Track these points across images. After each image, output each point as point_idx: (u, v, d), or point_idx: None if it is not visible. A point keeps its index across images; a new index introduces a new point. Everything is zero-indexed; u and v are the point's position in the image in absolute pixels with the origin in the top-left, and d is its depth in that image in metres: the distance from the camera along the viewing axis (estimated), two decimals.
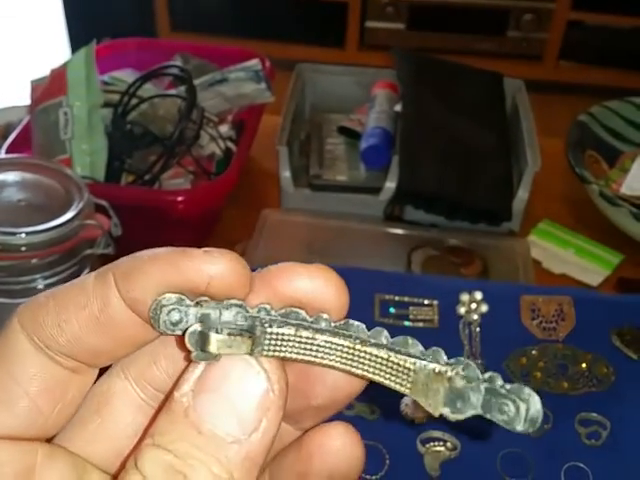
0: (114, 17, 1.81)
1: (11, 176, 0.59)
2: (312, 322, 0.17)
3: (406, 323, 0.60)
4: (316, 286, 0.18)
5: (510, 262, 0.71)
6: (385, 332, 0.17)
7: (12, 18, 2.20)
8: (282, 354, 0.17)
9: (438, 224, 0.76)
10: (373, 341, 0.17)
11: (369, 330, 0.18)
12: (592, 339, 0.58)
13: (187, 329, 0.17)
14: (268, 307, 0.17)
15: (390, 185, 0.75)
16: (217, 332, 0.17)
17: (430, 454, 0.50)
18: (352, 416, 0.52)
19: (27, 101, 0.77)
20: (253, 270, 0.18)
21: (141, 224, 0.63)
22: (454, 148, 0.80)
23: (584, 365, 0.56)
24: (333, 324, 0.18)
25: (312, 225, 0.75)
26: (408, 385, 0.17)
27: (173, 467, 0.16)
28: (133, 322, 0.17)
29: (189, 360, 0.17)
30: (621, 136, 0.82)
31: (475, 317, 0.60)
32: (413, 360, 0.17)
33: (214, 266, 0.17)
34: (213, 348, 0.16)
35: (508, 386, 0.16)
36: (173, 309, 0.17)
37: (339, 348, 0.17)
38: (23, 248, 0.54)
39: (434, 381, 0.17)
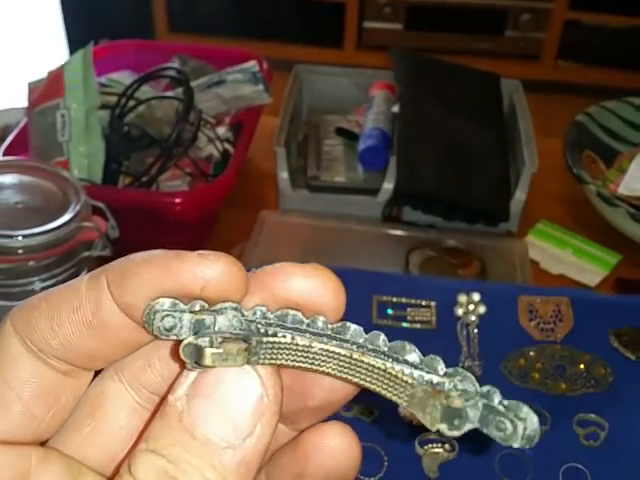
0: (112, 19, 1.81)
1: (8, 178, 0.59)
2: (308, 325, 0.17)
3: (404, 324, 0.60)
4: (312, 287, 0.18)
5: (508, 263, 0.71)
6: (382, 336, 0.17)
7: (10, 19, 2.20)
8: (278, 362, 0.17)
9: (436, 225, 0.76)
10: (370, 347, 0.17)
11: (366, 333, 0.17)
12: (590, 340, 0.58)
13: (181, 341, 0.16)
14: (264, 309, 0.17)
15: (388, 186, 0.75)
16: (212, 343, 0.16)
17: (428, 456, 0.50)
18: (350, 418, 0.52)
19: (24, 103, 0.77)
20: (248, 270, 0.18)
21: (138, 226, 0.63)
22: (452, 149, 0.80)
23: (582, 366, 0.56)
24: (330, 326, 0.17)
25: (310, 226, 0.75)
26: (405, 398, 0.17)
27: (167, 472, 0.16)
28: (126, 325, 0.17)
29: (184, 366, 0.17)
30: (619, 136, 0.82)
31: (473, 318, 0.60)
32: (410, 372, 0.17)
33: (209, 270, 0.17)
34: (208, 362, 0.16)
35: (506, 402, 0.16)
36: (167, 315, 0.17)
37: (336, 356, 0.17)
38: (20, 251, 0.54)
39: (431, 397, 0.16)
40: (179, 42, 1.75)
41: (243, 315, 0.17)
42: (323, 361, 0.17)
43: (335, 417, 0.20)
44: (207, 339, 0.16)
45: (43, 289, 0.56)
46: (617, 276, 0.71)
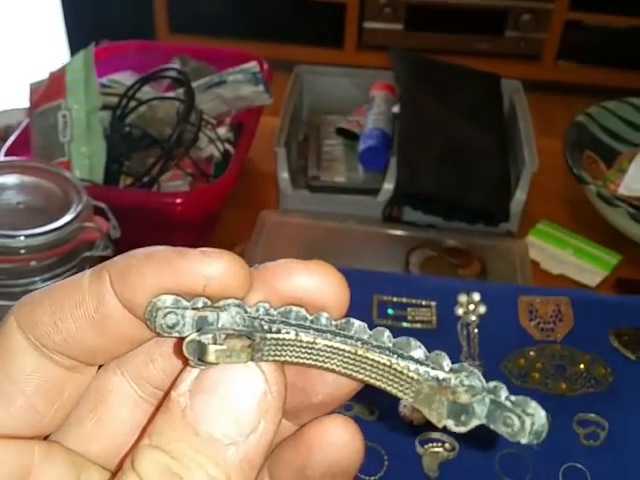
0: (113, 20, 1.81)
1: (10, 179, 0.59)
2: (312, 321, 0.17)
3: (404, 324, 0.60)
4: (315, 283, 0.17)
5: (508, 263, 0.71)
6: (387, 332, 0.17)
7: (11, 21, 2.20)
8: (282, 359, 0.17)
9: (436, 225, 0.76)
10: (375, 343, 0.17)
11: (371, 330, 0.17)
12: (590, 340, 0.58)
13: (184, 338, 0.16)
14: (267, 306, 0.17)
15: (388, 186, 0.75)
16: (215, 340, 0.16)
17: (429, 455, 0.50)
18: (351, 417, 0.52)
19: (26, 104, 0.77)
20: (250, 267, 0.18)
21: (140, 226, 0.63)
22: (452, 149, 0.80)
23: (582, 366, 0.56)
24: (334, 322, 0.17)
25: (310, 226, 0.75)
26: (411, 394, 0.17)
27: (170, 469, 0.16)
28: (129, 321, 0.17)
29: (186, 363, 0.17)
30: (619, 137, 0.82)
31: (473, 318, 0.60)
32: (415, 368, 0.16)
33: (211, 267, 0.17)
34: (211, 358, 0.16)
35: (513, 398, 0.16)
36: (169, 312, 0.17)
37: (340, 353, 0.17)
38: (22, 250, 0.54)
39: (437, 393, 0.16)
40: (180, 43, 1.75)
41: (246, 312, 0.17)
42: (327, 357, 0.17)
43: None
44: (210, 336, 0.16)
45: None
46: (617, 276, 0.71)
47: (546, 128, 1.25)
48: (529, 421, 0.16)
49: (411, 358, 0.17)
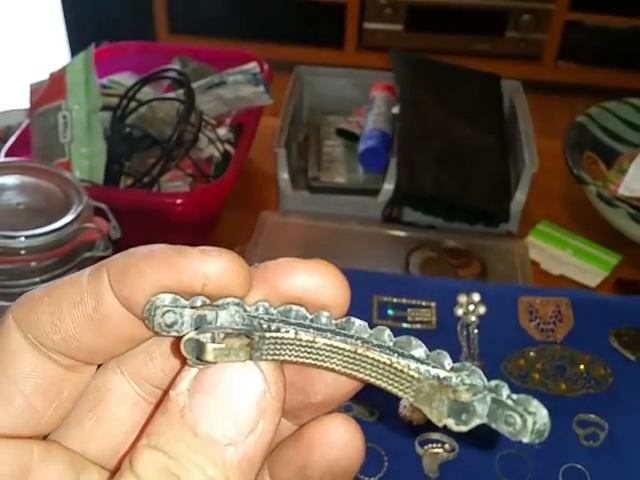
0: (113, 21, 1.82)
1: (10, 179, 0.59)
2: (312, 320, 0.17)
3: (404, 325, 0.60)
4: (316, 282, 0.17)
5: (508, 263, 0.71)
6: (388, 331, 0.17)
7: (12, 22, 2.21)
8: (281, 358, 0.17)
9: (436, 226, 0.76)
10: (375, 342, 0.17)
11: (371, 328, 0.17)
12: (590, 340, 0.58)
13: (183, 337, 0.16)
14: (267, 304, 0.17)
15: (388, 187, 0.75)
16: (214, 338, 0.16)
17: (428, 456, 0.50)
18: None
19: (26, 104, 0.78)
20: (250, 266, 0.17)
21: (140, 227, 0.63)
22: (452, 150, 0.80)
23: (582, 366, 0.56)
24: (334, 322, 0.17)
25: (310, 227, 0.75)
26: (411, 393, 0.16)
27: (168, 469, 0.16)
28: (128, 320, 0.17)
29: (185, 362, 0.17)
30: (619, 137, 0.82)
31: (473, 319, 0.60)
32: (416, 367, 0.16)
33: (210, 266, 0.16)
34: (210, 357, 0.16)
35: (515, 397, 0.16)
36: (168, 310, 0.16)
37: (340, 352, 0.17)
38: (22, 251, 0.54)
39: (438, 391, 0.16)
40: (180, 44, 1.75)
41: (245, 310, 0.17)
42: (327, 357, 0.17)
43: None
44: (209, 335, 0.16)
45: None
46: (617, 277, 0.71)
47: (546, 129, 1.25)
48: (531, 420, 0.15)
49: (412, 357, 0.16)
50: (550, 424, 0.15)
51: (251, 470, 0.16)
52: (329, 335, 0.17)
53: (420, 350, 0.17)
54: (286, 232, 0.74)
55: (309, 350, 0.17)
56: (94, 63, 0.74)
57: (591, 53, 1.95)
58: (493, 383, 0.16)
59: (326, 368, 0.17)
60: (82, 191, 0.58)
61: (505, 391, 0.16)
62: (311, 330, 0.17)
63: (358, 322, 0.17)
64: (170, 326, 0.17)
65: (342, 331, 0.17)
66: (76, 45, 1.95)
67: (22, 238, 0.54)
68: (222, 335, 0.16)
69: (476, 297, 0.60)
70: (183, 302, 0.17)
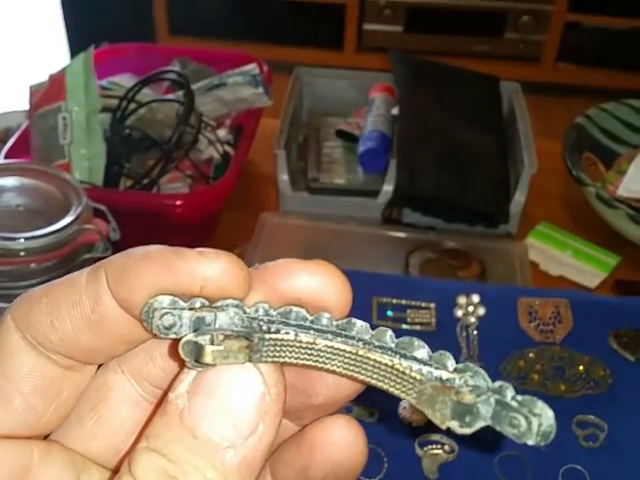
0: (112, 22, 1.82)
1: (10, 181, 0.59)
2: (312, 322, 0.17)
3: (404, 326, 0.60)
4: (317, 283, 0.17)
5: (507, 264, 0.71)
6: (390, 332, 0.17)
7: (11, 23, 2.21)
8: (281, 360, 0.16)
9: (436, 227, 0.76)
10: (377, 344, 0.16)
11: (373, 329, 0.17)
12: (589, 341, 0.58)
13: (181, 339, 0.16)
14: (266, 306, 0.17)
15: (388, 188, 0.75)
16: (212, 340, 0.16)
17: (428, 457, 0.50)
18: None
19: (26, 106, 0.78)
20: (249, 267, 0.17)
21: (139, 228, 0.63)
22: (451, 151, 0.81)
23: (581, 367, 0.56)
24: (335, 323, 0.17)
25: (310, 228, 0.75)
26: (414, 395, 0.16)
27: (167, 472, 0.15)
28: (126, 321, 0.17)
29: (183, 365, 0.16)
30: (618, 138, 0.82)
31: (472, 320, 0.60)
32: (418, 368, 0.16)
33: (208, 268, 0.16)
34: (208, 359, 0.16)
35: (520, 398, 0.15)
36: (166, 313, 0.16)
37: (341, 353, 0.16)
38: (22, 253, 0.54)
39: (441, 393, 0.16)
40: (179, 45, 1.76)
41: (245, 312, 0.16)
42: (328, 358, 0.16)
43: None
44: (207, 337, 0.16)
45: None
46: (616, 278, 0.71)
47: (545, 130, 1.25)
48: (536, 422, 0.15)
49: (414, 358, 0.16)
50: (556, 426, 0.15)
51: (251, 473, 0.16)
52: (330, 336, 0.16)
53: (423, 351, 0.16)
54: (286, 233, 0.75)
55: (309, 352, 0.16)
56: (94, 64, 0.74)
57: (590, 54, 1.96)
58: (497, 384, 0.16)
59: (327, 370, 0.17)
60: (82, 192, 0.58)
61: (510, 392, 0.15)
62: (311, 332, 0.16)
63: (359, 323, 0.17)
64: (168, 328, 0.16)
65: (343, 332, 0.17)
66: (76, 46, 1.95)
67: (22, 240, 0.54)
68: (221, 337, 0.16)
69: (475, 298, 0.61)
70: (181, 304, 0.16)
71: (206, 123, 0.75)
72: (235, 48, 1.48)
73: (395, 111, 0.83)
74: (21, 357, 0.17)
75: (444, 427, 0.16)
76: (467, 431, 0.16)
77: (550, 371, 0.56)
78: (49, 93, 0.73)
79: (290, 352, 0.16)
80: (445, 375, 0.16)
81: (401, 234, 0.74)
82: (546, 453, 0.51)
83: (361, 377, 0.17)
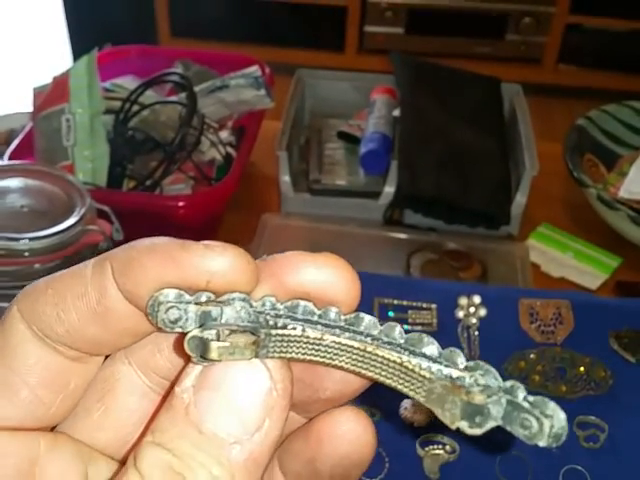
0: (115, 24, 1.82)
1: (14, 182, 0.59)
2: (320, 316, 0.16)
3: (405, 327, 0.60)
4: (325, 276, 0.17)
5: (509, 266, 0.71)
6: (398, 327, 0.16)
7: (15, 26, 2.21)
8: (288, 355, 0.16)
9: (437, 228, 0.76)
10: (386, 339, 0.16)
11: (381, 324, 0.16)
12: (590, 342, 0.58)
13: (186, 333, 0.16)
14: (273, 300, 0.16)
15: (389, 189, 0.75)
16: (218, 335, 0.16)
17: (429, 457, 0.51)
18: None
19: (29, 108, 0.78)
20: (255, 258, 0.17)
21: (142, 229, 0.63)
22: (452, 152, 0.81)
23: (582, 368, 0.56)
24: (343, 317, 0.16)
25: (312, 229, 0.75)
26: (422, 393, 0.16)
27: (172, 468, 0.15)
28: (132, 314, 0.17)
29: (189, 359, 0.16)
30: (619, 140, 0.82)
31: (474, 321, 0.60)
32: (427, 366, 0.16)
33: (214, 262, 0.16)
34: (214, 355, 0.16)
35: (531, 398, 0.15)
36: (171, 307, 0.16)
37: (349, 349, 0.16)
38: (26, 253, 0.54)
39: (451, 393, 0.15)
40: (182, 47, 1.76)
41: (252, 306, 0.16)
42: (335, 354, 0.16)
43: None
44: (214, 331, 0.16)
45: None
46: (617, 279, 0.71)
47: (547, 132, 1.25)
48: (548, 423, 0.15)
49: (423, 355, 0.16)
50: (567, 427, 0.15)
51: (257, 469, 0.16)
52: (337, 332, 0.16)
53: (432, 347, 0.16)
54: (288, 234, 0.75)
55: (317, 347, 0.16)
56: (97, 67, 0.75)
57: (591, 56, 1.96)
58: (508, 384, 0.15)
59: (334, 366, 0.16)
60: (85, 194, 0.58)
61: (521, 392, 0.15)
62: (319, 326, 0.16)
63: (368, 318, 0.16)
64: (174, 322, 0.16)
65: (351, 327, 0.16)
66: (78, 49, 1.95)
67: (26, 240, 0.54)
68: (227, 332, 0.16)
69: (477, 299, 0.61)
70: (187, 298, 0.16)
71: (208, 125, 0.75)
72: (237, 50, 1.49)
73: (396, 113, 0.84)
74: (27, 349, 0.17)
75: (454, 427, 0.16)
76: (477, 432, 0.15)
77: (551, 372, 0.56)
78: (53, 95, 0.74)
79: (297, 347, 0.16)
80: (455, 373, 0.16)
81: (402, 235, 0.74)
82: (547, 454, 0.51)
83: (369, 374, 0.16)
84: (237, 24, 1.97)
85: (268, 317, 0.16)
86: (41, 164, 0.67)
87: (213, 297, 0.16)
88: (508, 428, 0.15)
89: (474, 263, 0.71)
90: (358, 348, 0.16)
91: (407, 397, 0.16)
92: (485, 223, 0.76)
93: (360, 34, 1.97)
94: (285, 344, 0.16)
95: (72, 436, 0.18)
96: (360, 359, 0.16)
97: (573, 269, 0.72)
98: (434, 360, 0.16)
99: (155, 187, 0.72)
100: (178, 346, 0.17)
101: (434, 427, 0.52)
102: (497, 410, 0.15)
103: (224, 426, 0.16)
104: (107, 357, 0.19)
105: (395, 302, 0.62)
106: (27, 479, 0.17)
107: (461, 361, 0.16)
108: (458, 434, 0.16)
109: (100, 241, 0.59)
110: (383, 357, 0.16)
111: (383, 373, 0.16)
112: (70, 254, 0.56)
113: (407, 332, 0.17)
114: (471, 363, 0.16)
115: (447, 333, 0.59)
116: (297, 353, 0.16)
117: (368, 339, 0.16)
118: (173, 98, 0.78)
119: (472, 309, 0.60)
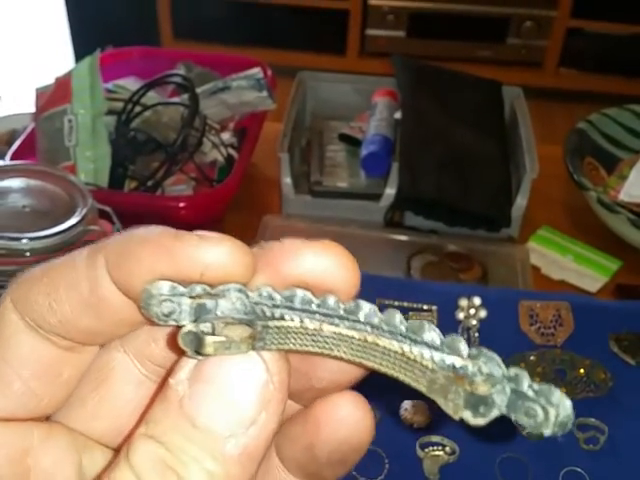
0: (118, 26, 1.83)
1: (16, 182, 0.60)
2: (319, 305, 0.16)
3: None
4: (323, 264, 0.16)
5: (509, 268, 0.71)
6: (399, 315, 0.16)
7: (18, 27, 2.22)
8: (286, 347, 0.16)
9: (437, 230, 0.76)
10: (386, 328, 0.16)
11: (381, 312, 0.16)
12: (590, 345, 0.58)
13: (181, 327, 0.15)
14: (270, 289, 0.16)
15: (390, 191, 0.76)
16: (214, 329, 0.15)
17: (429, 458, 0.51)
18: None
19: (31, 109, 0.78)
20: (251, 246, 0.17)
21: None
22: (453, 155, 0.81)
23: (582, 370, 0.56)
24: (342, 306, 0.16)
25: (313, 231, 0.75)
26: (424, 383, 0.15)
27: (164, 462, 0.15)
28: (126, 305, 0.16)
29: (183, 353, 0.16)
30: (619, 143, 0.83)
31: (474, 322, 0.60)
32: (430, 356, 0.15)
33: (209, 254, 0.16)
34: (209, 350, 0.15)
35: (536, 387, 0.15)
36: (165, 299, 0.15)
37: (348, 340, 0.16)
38: (27, 253, 0.54)
39: (454, 383, 0.15)
40: (184, 49, 1.76)
41: (248, 297, 0.16)
42: (335, 345, 0.16)
43: None
44: (208, 325, 0.15)
45: None
46: (617, 282, 0.71)
47: (548, 135, 1.25)
48: (553, 412, 0.14)
49: (425, 344, 0.15)
50: (573, 416, 0.15)
51: (252, 463, 0.16)
52: (337, 321, 0.16)
53: (434, 334, 0.16)
54: (288, 236, 0.75)
55: (315, 338, 0.16)
56: (99, 68, 0.75)
57: (592, 60, 1.96)
58: (513, 372, 0.15)
59: (334, 357, 0.16)
60: (87, 194, 0.58)
61: (526, 381, 0.15)
62: (317, 316, 0.16)
63: (367, 305, 0.16)
64: (167, 315, 0.16)
65: (350, 316, 0.16)
66: (81, 50, 1.96)
67: (27, 240, 0.54)
68: (223, 325, 0.15)
69: (477, 301, 0.61)
70: (181, 290, 0.16)
71: (210, 126, 0.76)
72: (239, 53, 1.49)
73: (398, 115, 0.84)
74: (19, 339, 0.17)
75: (457, 418, 0.15)
76: (481, 422, 0.15)
77: (551, 374, 0.56)
78: (55, 96, 0.74)
79: (295, 339, 0.16)
80: (458, 362, 0.15)
81: (403, 237, 0.74)
82: (546, 455, 0.51)
83: (370, 364, 0.16)
84: (239, 27, 1.98)
85: (265, 308, 0.16)
86: (43, 164, 0.67)
87: (208, 289, 0.16)
88: (513, 417, 0.15)
89: (474, 265, 0.71)
90: (358, 338, 0.16)
91: (408, 387, 0.16)
92: (485, 225, 0.76)
93: (362, 37, 1.98)
94: (283, 335, 0.16)
95: (67, 425, 0.18)
96: (360, 349, 0.16)
97: (573, 272, 0.73)
98: (436, 348, 0.15)
99: (156, 188, 0.72)
100: (172, 340, 0.17)
101: (434, 428, 0.52)
102: (501, 399, 0.15)
103: (218, 420, 0.15)
104: (102, 346, 0.18)
105: (396, 303, 0.62)
106: (21, 469, 0.17)
107: (463, 348, 0.15)
108: (461, 424, 0.15)
109: None
110: (384, 347, 0.16)
111: (384, 363, 0.16)
112: None
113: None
114: (474, 351, 0.15)
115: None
116: (295, 344, 0.16)
117: (368, 328, 0.16)
118: (175, 99, 0.78)
119: (472, 311, 0.61)
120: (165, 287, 0.16)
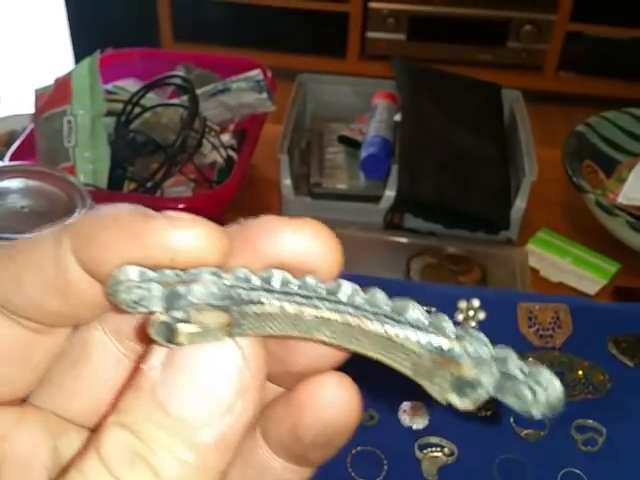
0: (118, 27, 1.83)
1: (15, 183, 0.60)
2: (298, 286, 0.15)
3: None
4: (303, 243, 0.15)
5: (508, 270, 0.71)
6: (382, 294, 0.15)
7: (17, 28, 2.22)
8: (264, 332, 0.15)
9: (437, 232, 0.76)
10: (370, 309, 0.15)
11: (365, 292, 0.15)
12: (589, 347, 0.59)
13: (151, 315, 0.14)
14: (246, 271, 0.15)
15: (390, 193, 0.76)
16: (188, 317, 0.14)
17: (428, 460, 0.51)
18: None
19: (30, 110, 0.78)
20: (223, 224, 0.16)
21: None
22: (453, 157, 0.81)
23: (580, 372, 0.56)
24: (323, 286, 0.15)
25: None
26: (410, 366, 0.15)
27: (134, 450, 0.14)
28: (95, 287, 0.15)
29: (155, 342, 0.15)
30: (618, 146, 0.83)
31: (473, 324, 0.60)
32: (416, 340, 0.14)
33: (178, 238, 0.15)
34: (183, 340, 0.14)
35: (525, 368, 0.14)
36: (133, 286, 0.14)
37: (330, 323, 0.15)
38: None
39: (440, 367, 0.14)
40: (184, 51, 1.77)
41: (222, 279, 0.15)
42: (315, 328, 0.15)
43: None
44: (181, 313, 0.14)
45: None
46: (616, 285, 0.71)
47: (547, 138, 1.26)
48: (543, 393, 0.14)
49: (410, 325, 0.15)
50: (563, 396, 0.14)
51: (228, 452, 0.15)
52: (317, 303, 0.15)
53: (418, 313, 0.15)
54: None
55: (295, 322, 0.15)
56: (99, 69, 0.75)
57: (592, 63, 1.97)
58: (500, 353, 0.14)
59: (315, 340, 0.15)
60: (86, 195, 0.58)
61: (513, 362, 0.14)
62: (297, 298, 0.15)
63: (349, 285, 0.15)
64: (137, 302, 0.15)
65: (332, 297, 0.15)
66: (80, 51, 1.96)
67: None
68: (196, 311, 0.14)
69: (476, 303, 0.61)
70: (151, 275, 0.15)
71: (210, 128, 0.76)
72: (239, 55, 1.50)
73: (397, 117, 0.84)
74: None
75: (444, 401, 0.15)
76: (468, 405, 0.14)
77: None
78: (55, 96, 0.74)
79: (274, 323, 0.15)
80: (445, 345, 0.14)
81: (402, 239, 0.74)
82: (545, 457, 0.51)
83: (352, 347, 0.15)
84: (239, 29, 1.98)
85: (241, 291, 0.15)
86: (42, 165, 0.68)
87: (180, 273, 0.15)
88: (501, 399, 0.14)
89: (474, 267, 0.72)
90: (341, 321, 0.15)
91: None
92: (485, 228, 0.76)
93: (362, 40, 1.98)
94: (261, 320, 0.15)
95: (43, 406, 0.18)
96: (343, 332, 0.15)
97: (572, 274, 0.73)
98: (421, 329, 0.15)
99: (156, 189, 0.73)
100: (141, 330, 0.16)
101: (433, 430, 0.52)
102: (489, 381, 0.14)
103: (192, 408, 0.14)
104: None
105: None
106: None
107: (449, 328, 0.15)
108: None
109: None
110: (367, 330, 0.15)
111: (367, 346, 0.15)
112: None
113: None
114: (460, 330, 0.15)
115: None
116: (274, 329, 0.15)
117: (350, 309, 0.15)
118: (175, 101, 0.78)
119: (471, 312, 0.61)
120: (133, 272, 0.15)
